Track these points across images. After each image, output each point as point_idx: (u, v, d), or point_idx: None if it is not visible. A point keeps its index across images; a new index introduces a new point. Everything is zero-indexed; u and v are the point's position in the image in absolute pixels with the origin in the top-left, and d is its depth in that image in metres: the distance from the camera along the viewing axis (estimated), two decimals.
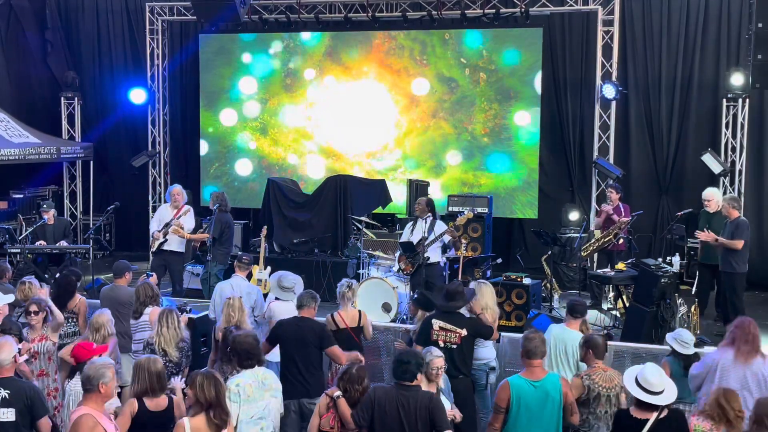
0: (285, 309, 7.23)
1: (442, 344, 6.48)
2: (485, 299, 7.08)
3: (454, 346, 6.51)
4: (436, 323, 6.59)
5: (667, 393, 5.04)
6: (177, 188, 10.70)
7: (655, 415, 4.98)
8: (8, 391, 5.24)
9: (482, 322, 6.76)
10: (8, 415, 5.20)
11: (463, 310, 6.82)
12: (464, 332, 6.53)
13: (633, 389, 5.08)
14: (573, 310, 6.75)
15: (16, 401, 5.23)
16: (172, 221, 10.35)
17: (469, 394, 6.53)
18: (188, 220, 10.48)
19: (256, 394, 5.53)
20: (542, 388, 5.45)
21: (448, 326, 6.55)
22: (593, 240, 10.60)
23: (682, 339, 6.32)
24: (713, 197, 9.89)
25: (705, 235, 9.23)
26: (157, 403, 5.29)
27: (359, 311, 7.37)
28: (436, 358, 5.75)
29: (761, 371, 5.68)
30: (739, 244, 9.15)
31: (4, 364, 5.32)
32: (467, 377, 6.58)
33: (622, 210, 10.53)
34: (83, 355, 5.81)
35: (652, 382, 5.03)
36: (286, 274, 7.59)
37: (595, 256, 11.56)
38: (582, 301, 7.06)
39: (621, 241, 10.29)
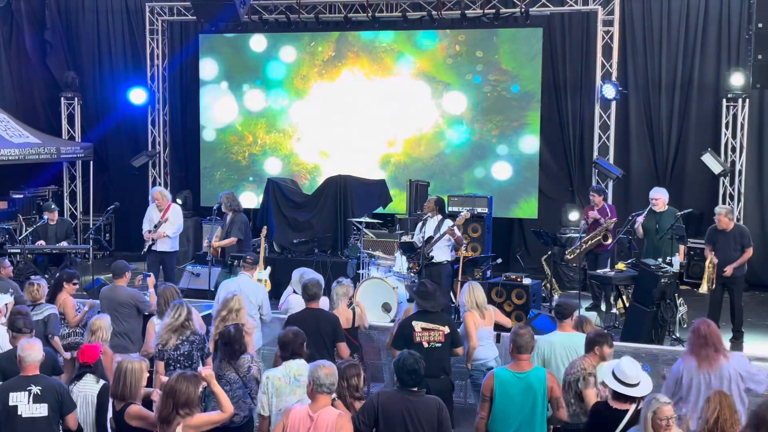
0: (304, 303, 7.32)
1: (426, 345, 6.44)
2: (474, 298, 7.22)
3: (439, 345, 6.50)
4: (417, 325, 6.55)
5: (643, 385, 5.19)
6: (157, 192, 10.96)
7: (633, 406, 5.13)
8: (39, 388, 5.41)
9: (458, 331, 6.77)
10: (41, 410, 5.37)
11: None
12: (447, 329, 6.54)
13: (610, 382, 5.21)
14: (557, 313, 6.71)
15: (47, 397, 5.40)
16: (159, 223, 10.65)
17: (449, 395, 6.50)
18: (175, 222, 10.74)
19: (285, 389, 5.58)
20: (526, 380, 5.58)
21: (431, 326, 6.53)
22: (579, 242, 10.54)
23: None
24: (660, 196, 9.83)
25: (729, 270, 9.13)
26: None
27: (352, 310, 7.37)
28: (665, 405, 4.74)
29: (727, 371, 5.62)
30: (750, 251, 9.19)
31: (34, 362, 5.51)
32: (448, 377, 6.59)
33: (608, 211, 10.50)
34: (96, 354, 5.85)
35: (629, 375, 5.17)
36: (309, 272, 7.70)
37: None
38: (565, 302, 6.87)
39: (609, 241, 10.28)
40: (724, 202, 12.31)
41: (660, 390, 5.66)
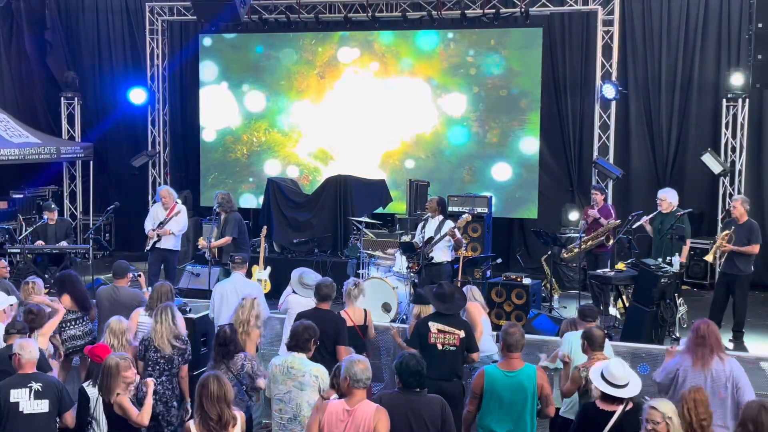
0: (303, 303, 7.42)
1: (440, 347, 6.43)
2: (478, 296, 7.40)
3: (453, 348, 6.47)
4: (434, 326, 6.53)
5: (631, 386, 5.18)
6: (165, 190, 11.00)
7: (621, 407, 5.13)
8: (40, 384, 5.51)
9: (474, 336, 6.79)
10: (42, 406, 5.48)
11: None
12: (462, 333, 6.52)
13: (599, 383, 5.21)
14: (583, 315, 6.78)
15: (48, 393, 5.51)
16: (165, 221, 10.64)
17: (460, 399, 6.48)
18: (180, 221, 10.77)
19: (278, 377, 5.81)
20: (516, 379, 5.60)
21: (447, 328, 6.50)
22: (579, 242, 10.53)
23: None
24: (665, 197, 9.80)
25: (726, 247, 9.10)
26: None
27: (365, 310, 7.41)
28: (652, 409, 4.73)
29: (722, 373, 5.64)
30: (757, 248, 9.14)
31: (32, 359, 5.59)
32: (460, 380, 6.58)
33: (611, 211, 10.49)
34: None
35: (617, 376, 5.16)
36: (308, 272, 7.68)
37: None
38: (591, 306, 7.12)
39: (611, 242, 10.27)
40: (724, 202, 12.31)
41: (652, 390, 5.69)
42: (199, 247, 10.56)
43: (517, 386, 5.58)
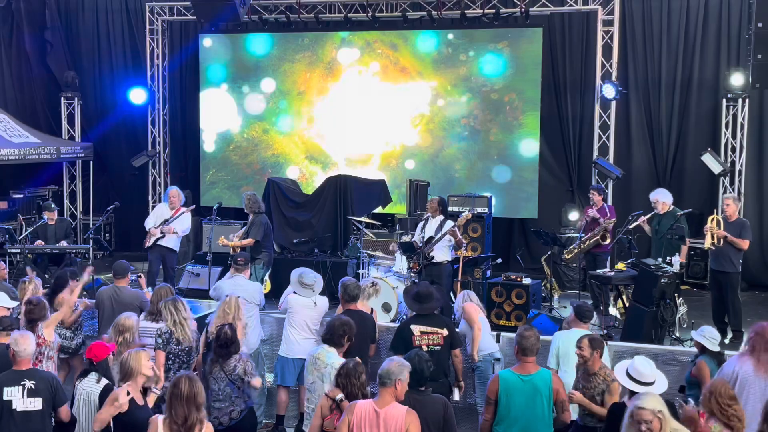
0: (303, 303, 7.48)
1: (425, 348, 6.41)
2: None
3: (438, 348, 6.46)
4: (416, 328, 6.53)
5: (659, 383, 5.15)
6: (174, 190, 11.11)
7: None
8: (33, 382, 5.50)
9: (457, 332, 6.80)
10: (35, 404, 5.48)
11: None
12: (445, 332, 6.52)
13: (626, 382, 5.18)
14: (581, 315, 6.75)
15: (41, 391, 5.50)
16: (170, 220, 10.71)
17: (447, 397, 6.51)
18: (184, 221, 10.86)
19: (309, 368, 6.14)
20: (531, 383, 5.56)
21: (429, 329, 6.51)
22: (578, 242, 10.54)
23: (711, 336, 6.22)
24: (658, 198, 9.81)
25: (720, 233, 9.12)
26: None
27: (371, 309, 7.48)
28: (640, 410, 4.46)
29: None
30: (746, 244, 9.17)
31: (28, 356, 5.59)
32: (447, 379, 6.61)
33: (608, 210, 10.50)
34: (102, 354, 5.85)
35: (644, 373, 5.14)
36: (308, 272, 7.67)
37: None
38: (587, 305, 7.07)
39: (608, 241, 10.27)
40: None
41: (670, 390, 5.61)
42: (220, 244, 10.53)
43: (532, 390, 5.54)
